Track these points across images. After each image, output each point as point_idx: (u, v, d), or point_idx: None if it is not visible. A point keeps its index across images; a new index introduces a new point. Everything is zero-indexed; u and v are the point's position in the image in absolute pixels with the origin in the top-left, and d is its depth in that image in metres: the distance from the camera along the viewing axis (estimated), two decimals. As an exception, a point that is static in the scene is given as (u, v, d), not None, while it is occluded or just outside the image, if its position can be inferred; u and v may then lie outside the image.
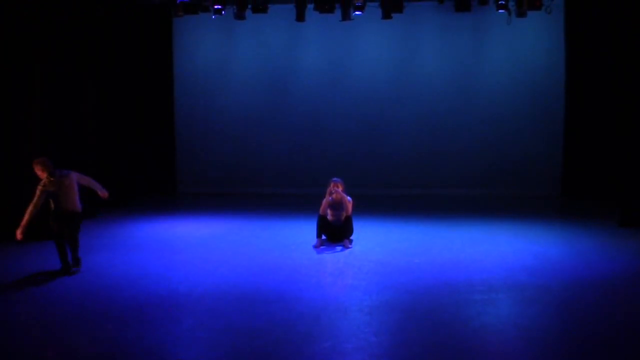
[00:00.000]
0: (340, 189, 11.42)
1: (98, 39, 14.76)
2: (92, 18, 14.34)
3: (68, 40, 13.52)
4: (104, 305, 8.06)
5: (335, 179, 11.61)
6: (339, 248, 11.19)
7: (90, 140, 14.42)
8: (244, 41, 17.76)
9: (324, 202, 11.43)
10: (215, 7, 15.29)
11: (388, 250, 11.05)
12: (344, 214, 11.43)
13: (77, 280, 9.17)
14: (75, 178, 9.82)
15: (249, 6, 15.71)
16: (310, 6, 15.58)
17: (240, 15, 15.83)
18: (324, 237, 11.52)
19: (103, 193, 10.21)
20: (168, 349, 6.61)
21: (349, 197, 11.49)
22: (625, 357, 6.38)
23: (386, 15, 15.48)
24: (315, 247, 11.25)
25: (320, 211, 11.46)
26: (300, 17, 15.77)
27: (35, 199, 9.48)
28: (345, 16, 15.29)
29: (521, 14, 15.29)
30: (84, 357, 6.51)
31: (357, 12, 15.31)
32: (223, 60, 17.92)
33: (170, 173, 17.73)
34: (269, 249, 11.21)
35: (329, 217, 11.50)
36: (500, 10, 15.43)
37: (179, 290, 8.72)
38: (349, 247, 11.20)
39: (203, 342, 6.81)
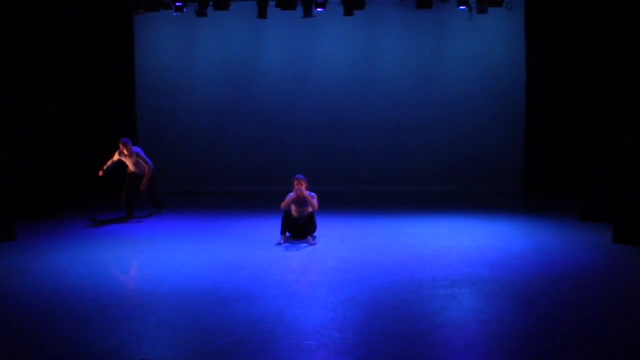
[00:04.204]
0: (303, 186, 11.40)
1: (57, 37, 14.57)
2: (51, 15, 14.15)
3: (26, 38, 13.32)
4: (66, 305, 7.97)
5: (298, 175, 11.57)
6: (302, 245, 11.19)
7: (51, 139, 14.24)
8: (206, 38, 17.68)
9: (288, 198, 11.42)
10: (176, 4, 15.22)
11: (352, 246, 11.08)
12: (308, 210, 11.45)
13: (39, 281, 9.06)
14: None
15: (211, 3, 15.66)
16: (272, 3, 15.58)
17: (201, 12, 15.78)
18: (288, 234, 11.52)
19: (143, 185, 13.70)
20: (131, 348, 6.55)
21: (312, 193, 11.51)
22: (587, 351, 6.46)
23: (348, 12, 15.54)
24: (279, 244, 11.24)
25: (282, 205, 11.44)
26: (262, 14, 15.76)
27: None
28: (307, 13, 15.32)
29: (482, 10, 15.47)
30: (46, 357, 6.43)
31: (318, 9, 15.35)
32: (185, 57, 17.83)
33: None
34: (232, 246, 11.17)
35: (294, 213, 11.50)
36: (461, 7, 15.56)
37: (142, 289, 8.66)
38: (313, 244, 11.20)
39: (166, 341, 6.76)
